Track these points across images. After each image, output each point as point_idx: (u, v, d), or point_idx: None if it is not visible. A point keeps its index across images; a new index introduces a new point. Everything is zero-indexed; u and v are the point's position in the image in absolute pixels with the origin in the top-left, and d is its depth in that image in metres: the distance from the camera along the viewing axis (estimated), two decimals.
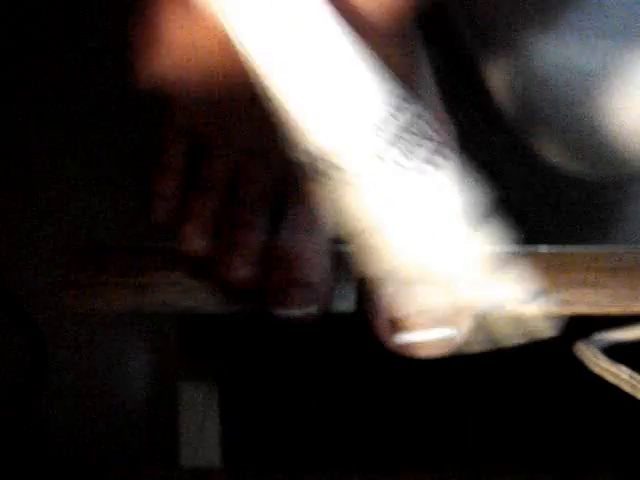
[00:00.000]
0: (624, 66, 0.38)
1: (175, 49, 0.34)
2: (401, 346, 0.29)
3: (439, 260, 0.29)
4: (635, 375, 0.28)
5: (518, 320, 0.29)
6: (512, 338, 0.30)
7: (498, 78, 0.40)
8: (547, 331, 0.29)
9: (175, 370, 0.38)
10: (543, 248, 0.33)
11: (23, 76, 0.85)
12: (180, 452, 0.39)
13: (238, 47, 0.29)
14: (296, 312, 0.30)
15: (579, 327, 0.31)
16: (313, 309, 0.30)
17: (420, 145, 0.27)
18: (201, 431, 0.38)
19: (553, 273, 0.32)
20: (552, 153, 0.41)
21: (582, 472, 0.33)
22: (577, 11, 0.37)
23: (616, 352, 0.30)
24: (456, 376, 0.46)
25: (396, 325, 0.28)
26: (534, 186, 0.44)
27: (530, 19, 0.38)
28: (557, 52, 0.38)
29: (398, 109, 0.26)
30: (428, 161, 0.27)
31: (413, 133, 0.27)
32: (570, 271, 0.32)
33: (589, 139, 0.40)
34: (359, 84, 0.26)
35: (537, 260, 0.32)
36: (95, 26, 0.85)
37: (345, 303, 0.31)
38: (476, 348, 0.29)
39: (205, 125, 0.35)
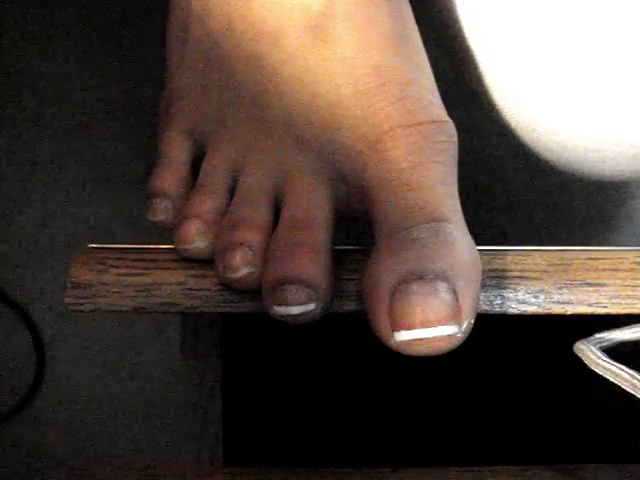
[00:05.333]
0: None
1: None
2: (401, 344, 0.29)
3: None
4: (636, 375, 0.28)
5: None
6: None
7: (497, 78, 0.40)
8: None
9: (177, 369, 0.38)
10: (543, 248, 0.33)
11: (25, 78, 0.85)
12: (181, 451, 0.39)
13: None
14: (295, 311, 0.30)
15: (579, 327, 0.31)
16: (312, 308, 0.30)
17: None
18: (203, 430, 0.38)
19: (553, 273, 0.32)
20: (552, 150, 0.41)
21: (583, 471, 0.33)
22: None
23: (616, 352, 0.30)
24: (457, 375, 0.46)
25: (396, 323, 0.28)
26: (534, 186, 0.44)
27: None
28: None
29: None
30: None
31: None
32: (570, 271, 0.32)
33: (591, 138, 0.40)
34: None
35: (537, 260, 0.32)
36: (96, 26, 0.85)
37: (345, 303, 0.31)
38: None
39: (205, 124, 0.35)
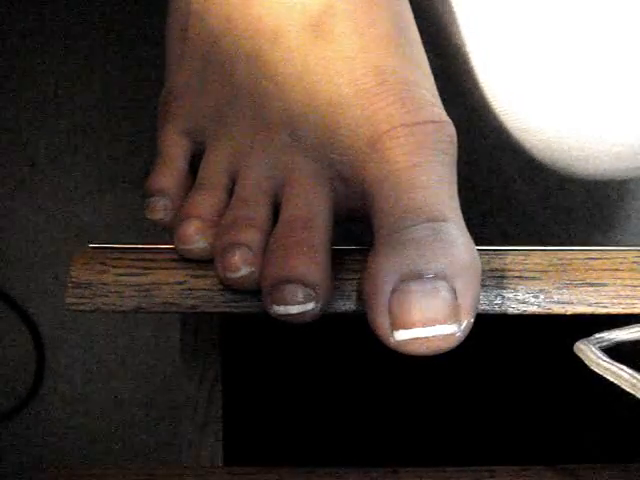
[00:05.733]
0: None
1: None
2: (401, 343, 0.29)
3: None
4: (636, 374, 0.28)
5: None
6: None
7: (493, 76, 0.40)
8: None
9: (177, 369, 0.38)
10: (543, 248, 0.33)
11: (25, 77, 0.85)
12: (182, 452, 0.39)
13: None
14: (294, 310, 0.30)
15: (579, 327, 0.31)
16: (311, 307, 0.30)
17: None
18: (203, 430, 0.38)
19: (553, 273, 0.32)
20: (547, 152, 0.41)
21: (583, 471, 0.33)
22: None
23: (616, 352, 0.30)
24: (457, 375, 0.46)
25: (396, 322, 0.28)
26: (534, 186, 0.44)
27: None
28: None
29: None
30: None
31: None
32: (570, 271, 0.32)
33: (587, 137, 0.40)
34: None
35: (537, 260, 0.32)
36: (96, 26, 0.85)
37: (345, 303, 0.31)
38: None
39: (204, 122, 0.35)
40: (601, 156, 0.40)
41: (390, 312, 0.28)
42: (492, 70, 0.39)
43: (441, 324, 0.28)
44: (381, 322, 0.29)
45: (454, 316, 0.28)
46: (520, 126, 0.40)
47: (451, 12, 0.38)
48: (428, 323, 0.28)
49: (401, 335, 0.28)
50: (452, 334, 0.28)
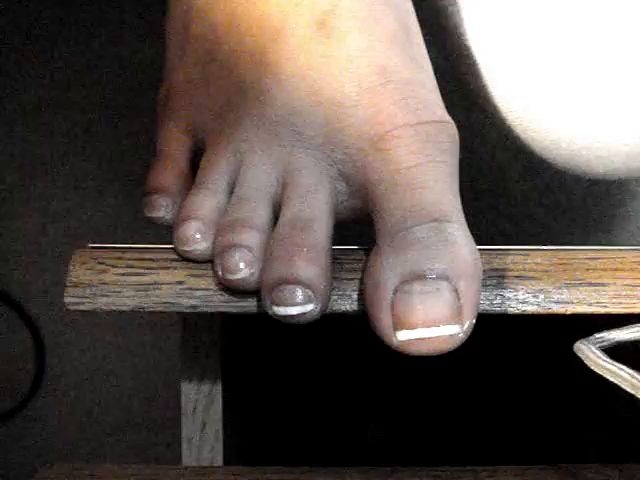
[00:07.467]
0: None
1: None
2: (403, 343, 0.29)
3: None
4: (636, 375, 0.28)
5: None
6: None
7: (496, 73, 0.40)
8: None
9: (177, 369, 0.38)
10: (543, 248, 0.33)
11: (25, 77, 0.85)
12: (181, 452, 0.39)
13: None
14: (293, 311, 0.30)
15: (579, 327, 0.31)
16: (311, 308, 0.30)
17: None
18: (203, 430, 0.38)
19: (553, 273, 0.32)
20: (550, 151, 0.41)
21: (583, 471, 0.33)
22: None
23: (616, 352, 0.30)
24: (457, 375, 0.46)
25: (398, 322, 0.28)
26: (534, 186, 0.44)
27: None
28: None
29: None
30: None
31: None
32: (570, 271, 0.32)
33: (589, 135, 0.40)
34: None
35: (537, 260, 0.32)
36: (96, 26, 0.85)
37: (345, 303, 0.31)
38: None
39: (205, 120, 0.35)
40: (611, 156, 0.40)
41: (393, 312, 0.28)
42: (502, 71, 0.39)
43: (444, 325, 0.28)
44: (383, 322, 0.29)
45: (457, 317, 0.28)
46: (531, 127, 0.40)
47: (459, 13, 0.38)
48: (431, 324, 0.28)
49: (404, 335, 0.28)
50: (455, 335, 0.28)
